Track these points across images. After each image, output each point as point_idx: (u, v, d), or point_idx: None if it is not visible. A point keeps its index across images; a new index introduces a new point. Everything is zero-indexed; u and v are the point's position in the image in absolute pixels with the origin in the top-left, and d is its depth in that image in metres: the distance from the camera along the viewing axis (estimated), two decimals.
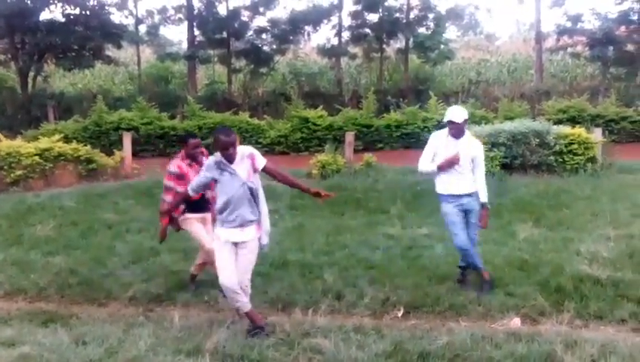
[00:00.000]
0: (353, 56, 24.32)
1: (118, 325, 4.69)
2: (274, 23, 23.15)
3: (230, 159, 4.32)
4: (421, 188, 10.07)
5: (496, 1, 61.06)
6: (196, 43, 22.94)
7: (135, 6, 24.01)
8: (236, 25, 22.59)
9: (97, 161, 12.68)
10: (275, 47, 23.66)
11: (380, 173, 11.88)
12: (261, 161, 4.42)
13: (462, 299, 5.12)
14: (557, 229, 7.48)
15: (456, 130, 5.22)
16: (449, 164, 5.22)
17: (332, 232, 7.59)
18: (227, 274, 4.37)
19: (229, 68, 23.07)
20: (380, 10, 22.39)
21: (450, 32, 28.23)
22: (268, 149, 16.68)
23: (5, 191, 11.10)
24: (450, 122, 5.21)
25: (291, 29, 23.08)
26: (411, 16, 22.50)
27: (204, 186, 4.56)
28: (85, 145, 13.00)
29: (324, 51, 23.97)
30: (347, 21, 23.41)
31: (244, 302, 4.45)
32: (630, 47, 20.82)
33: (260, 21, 23.41)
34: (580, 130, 12.13)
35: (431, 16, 22.61)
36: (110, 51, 22.73)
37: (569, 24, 21.59)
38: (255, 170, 4.40)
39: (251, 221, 4.43)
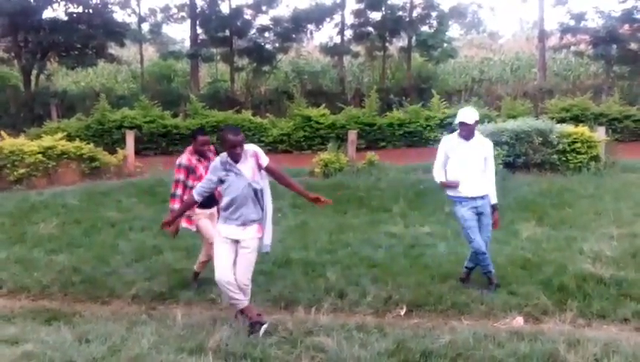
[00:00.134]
0: (356, 55, 24.29)
1: (121, 323, 4.70)
2: (277, 21, 23.13)
3: (236, 158, 4.33)
4: (424, 186, 10.07)
5: (500, 0, 60.90)
6: (199, 41, 22.94)
7: (138, 4, 24.02)
8: (239, 23, 22.59)
9: (100, 160, 12.71)
10: (277, 45, 23.64)
11: (383, 172, 11.88)
12: (264, 159, 4.43)
13: (464, 297, 5.12)
14: (560, 228, 7.47)
15: (467, 132, 5.22)
16: (449, 186, 5.30)
17: (335, 231, 7.59)
18: (222, 271, 4.39)
19: (232, 66, 23.07)
20: (383, 9, 22.34)
21: (453, 31, 28.16)
22: (270, 148, 16.67)
23: (8, 190, 11.13)
24: (462, 123, 5.20)
25: (294, 28, 23.05)
26: (414, 14, 22.46)
27: (210, 191, 4.55)
28: (88, 144, 13.04)
29: (326, 50, 23.94)
30: (350, 19, 23.40)
31: (240, 299, 4.45)
32: (634, 46, 20.74)
33: (263, 19, 23.42)
34: (583, 129, 12.11)
35: (434, 14, 22.55)
36: (113, 49, 22.75)
37: (572, 22, 21.53)
38: (259, 168, 4.41)
39: (254, 220, 4.44)
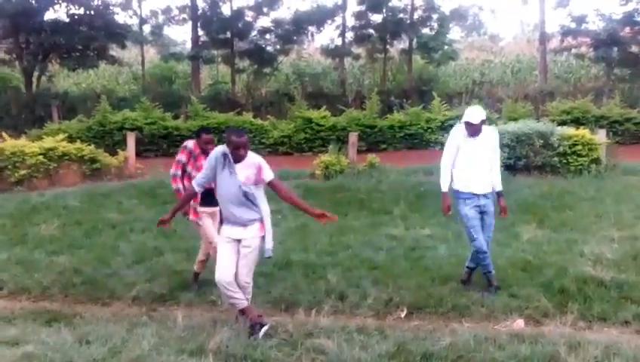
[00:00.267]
0: (357, 57, 24.32)
1: (121, 324, 4.70)
2: (278, 23, 23.17)
3: (238, 159, 4.34)
4: (424, 188, 10.07)
5: (501, 2, 60.88)
6: (200, 43, 22.98)
7: (139, 6, 24.10)
8: (240, 25, 22.64)
9: (101, 161, 12.71)
10: (278, 47, 23.68)
11: (384, 174, 11.87)
12: (268, 175, 4.41)
13: (465, 300, 5.11)
14: (561, 231, 7.47)
15: (473, 131, 5.21)
16: (444, 204, 5.36)
17: (335, 233, 7.59)
18: (223, 271, 4.41)
19: (233, 68, 23.11)
20: (384, 11, 22.38)
21: (454, 33, 28.21)
22: (271, 150, 16.69)
23: (9, 191, 11.14)
24: (468, 123, 5.19)
25: (295, 30, 23.10)
26: (415, 16, 22.49)
27: (208, 181, 4.55)
28: (89, 145, 13.03)
29: (327, 52, 23.97)
30: (351, 21, 23.45)
31: (240, 299, 4.46)
32: (635, 49, 20.76)
33: (264, 21, 23.48)
34: (584, 132, 12.10)
35: (435, 16, 22.59)
36: (114, 51, 22.79)
37: (573, 25, 21.54)
38: (259, 182, 4.39)
39: (254, 220, 4.44)
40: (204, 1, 22.83)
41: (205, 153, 5.36)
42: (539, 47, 23.35)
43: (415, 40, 22.25)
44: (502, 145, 11.39)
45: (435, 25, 22.61)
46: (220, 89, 23.52)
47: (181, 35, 55.50)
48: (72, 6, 20.81)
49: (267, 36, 23.59)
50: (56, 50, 20.83)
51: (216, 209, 5.40)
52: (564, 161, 11.70)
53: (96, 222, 8.44)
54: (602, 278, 5.39)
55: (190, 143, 5.51)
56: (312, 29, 23.70)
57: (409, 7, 22.50)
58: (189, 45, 24.79)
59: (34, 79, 21.42)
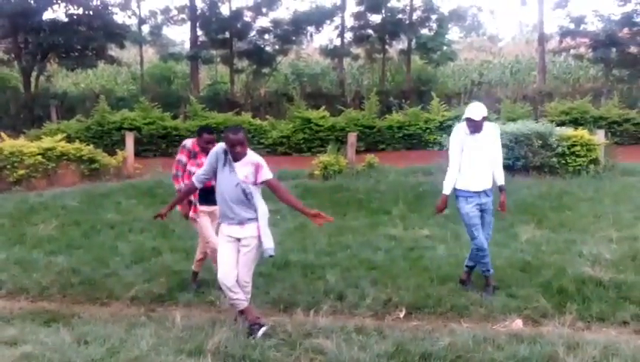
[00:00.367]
0: (355, 57, 24.33)
1: (120, 325, 4.69)
2: (276, 23, 23.18)
3: (236, 157, 4.35)
4: (423, 189, 10.07)
5: (499, 3, 61.00)
6: (199, 43, 22.97)
7: (138, 6, 24.11)
8: (239, 25, 22.64)
9: (100, 161, 12.70)
10: (277, 47, 23.70)
11: (382, 174, 11.88)
12: (267, 174, 4.40)
13: (464, 300, 5.11)
14: (559, 231, 7.47)
15: (475, 128, 5.20)
16: (440, 205, 5.38)
17: (334, 233, 7.59)
18: (225, 270, 4.42)
19: (232, 68, 23.10)
20: (383, 11, 22.40)
21: (453, 34, 28.30)
22: (270, 150, 16.69)
23: (8, 191, 11.12)
24: (469, 120, 5.19)
25: (294, 30, 23.11)
26: (414, 17, 22.51)
27: (209, 177, 4.55)
28: (88, 145, 13.02)
29: (326, 52, 23.98)
30: (350, 22, 23.48)
31: (240, 299, 4.46)
32: (633, 49, 20.77)
33: (263, 22, 23.50)
34: (582, 132, 12.11)
35: (434, 17, 22.62)
36: (113, 51, 22.78)
37: (572, 26, 21.57)
38: (256, 182, 4.39)
39: (250, 219, 4.45)
40: (203, 1, 22.84)
41: (206, 152, 5.36)
42: (537, 48, 23.36)
43: (414, 40, 22.28)
44: (501, 145, 11.43)
45: (434, 25, 22.64)
46: (219, 89, 23.53)
47: (180, 35, 55.61)
48: (70, 6, 20.79)
49: (266, 36, 23.61)
50: (54, 50, 20.81)
51: (215, 208, 5.38)
52: (563, 161, 11.71)
53: (94, 222, 8.43)
54: (601, 278, 5.40)
55: (189, 142, 5.52)
56: (310, 29, 23.72)
57: (408, 7, 22.52)
58: (187, 45, 24.80)
59: (32, 79, 21.40)
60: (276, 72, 24.37)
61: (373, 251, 6.77)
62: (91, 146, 13.09)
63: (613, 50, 20.62)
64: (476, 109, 5.17)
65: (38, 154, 11.79)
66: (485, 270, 5.36)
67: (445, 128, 15.72)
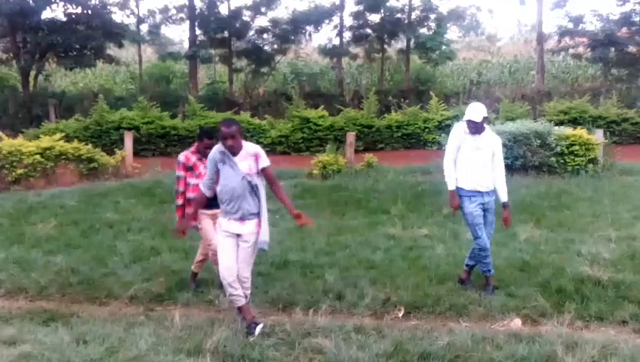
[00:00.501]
0: (354, 57, 24.34)
1: (118, 324, 4.69)
2: (275, 22, 23.18)
3: (232, 151, 4.35)
4: (422, 188, 10.08)
5: (498, 3, 60.96)
6: (198, 42, 22.96)
7: (137, 5, 24.10)
8: (238, 25, 22.62)
9: (98, 160, 12.70)
10: (276, 47, 23.70)
11: (381, 174, 11.88)
12: (264, 162, 4.44)
13: (463, 299, 5.11)
14: (558, 230, 7.48)
15: (475, 128, 5.19)
16: (452, 201, 5.31)
17: (333, 232, 7.59)
18: (226, 266, 4.44)
19: (230, 67, 23.10)
20: (382, 11, 22.41)
21: (452, 33, 28.22)
22: (269, 149, 16.66)
23: (6, 190, 11.11)
24: (469, 121, 5.18)
25: (293, 29, 23.11)
26: (413, 16, 22.52)
27: (214, 180, 4.57)
28: (86, 145, 13.02)
29: (325, 51, 23.99)
30: (348, 21, 23.48)
31: (239, 296, 4.48)
32: (632, 49, 20.81)
33: (262, 21, 23.50)
34: (581, 132, 12.13)
35: (432, 16, 22.63)
36: (112, 50, 22.78)
37: (570, 25, 21.59)
38: (258, 168, 4.42)
39: (252, 214, 4.46)
40: (202, 0, 22.82)
41: (204, 155, 5.36)
42: (536, 48, 23.40)
43: (413, 40, 22.29)
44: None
45: (433, 25, 22.66)
46: (218, 88, 23.53)
47: (178, 34, 55.52)
48: (69, 5, 20.78)
49: (265, 36, 23.61)
50: (53, 49, 20.79)
51: (217, 211, 5.39)
52: (562, 161, 11.73)
53: (93, 222, 8.42)
54: (599, 278, 5.40)
55: (182, 157, 5.51)
56: (309, 28, 23.72)
57: (407, 7, 22.53)
58: (186, 45, 24.80)
59: (31, 78, 21.38)
60: (275, 71, 24.38)
61: (372, 250, 6.77)
62: (90, 146, 13.08)
63: (612, 49, 20.65)
64: (476, 111, 5.17)
65: (37, 153, 11.79)
66: (487, 270, 5.36)
67: (444, 128, 15.72)
